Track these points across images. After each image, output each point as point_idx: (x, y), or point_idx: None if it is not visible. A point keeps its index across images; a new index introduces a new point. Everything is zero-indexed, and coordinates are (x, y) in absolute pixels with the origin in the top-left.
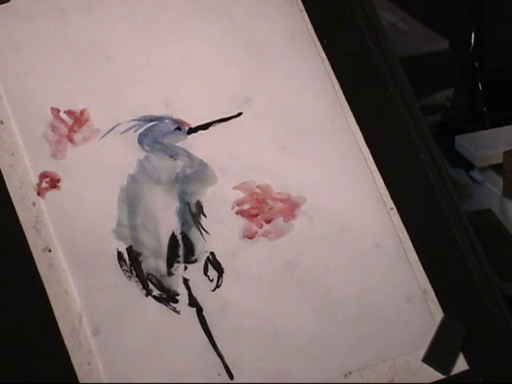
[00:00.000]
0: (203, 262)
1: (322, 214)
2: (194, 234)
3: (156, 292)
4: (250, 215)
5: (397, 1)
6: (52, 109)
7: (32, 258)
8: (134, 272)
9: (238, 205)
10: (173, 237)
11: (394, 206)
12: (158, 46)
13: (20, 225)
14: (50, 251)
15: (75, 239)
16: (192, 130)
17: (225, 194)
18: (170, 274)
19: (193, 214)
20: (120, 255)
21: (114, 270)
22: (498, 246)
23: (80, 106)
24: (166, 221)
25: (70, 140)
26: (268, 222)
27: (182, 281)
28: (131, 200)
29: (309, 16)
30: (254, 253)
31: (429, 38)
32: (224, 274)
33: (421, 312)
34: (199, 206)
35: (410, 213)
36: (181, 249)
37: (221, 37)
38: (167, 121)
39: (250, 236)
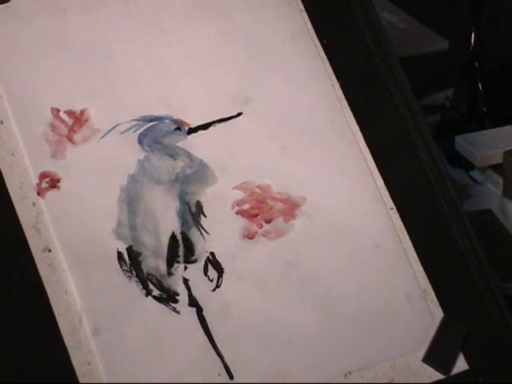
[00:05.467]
0: (203, 262)
1: (321, 214)
2: (194, 234)
3: (156, 292)
4: (249, 215)
5: (397, 1)
6: (52, 109)
7: (32, 258)
8: (133, 272)
9: (237, 205)
10: (173, 237)
11: (393, 206)
12: (158, 46)
13: (20, 225)
14: (49, 251)
15: (75, 239)
16: (192, 130)
17: (225, 194)
18: (170, 274)
19: (193, 213)
20: (120, 255)
21: (114, 270)
22: (497, 246)
23: (80, 106)
24: (166, 221)
25: (70, 140)
26: (268, 222)
27: (181, 281)
28: (131, 200)
29: (309, 16)
30: (254, 253)
31: (429, 38)
32: (224, 274)
33: (421, 312)
34: (199, 206)
35: (410, 213)
36: (181, 249)
37: (221, 37)
38: (167, 121)
39: (250, 236)
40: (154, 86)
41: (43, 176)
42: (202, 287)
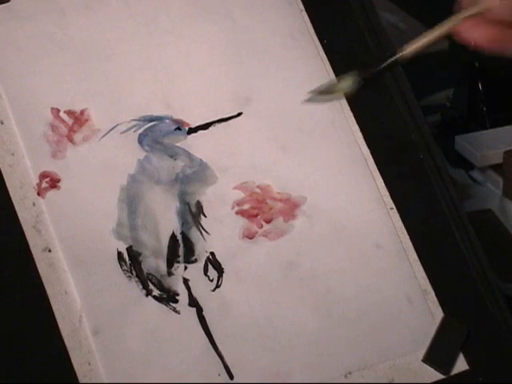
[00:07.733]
0: (203, 262)
1: (322, 214)
2: (194, 234)
3: (156, 292)
4: (250, 215)
5: (397, 1)
6: (52, 109)
7: (32, 258)
8: (133, 272)
9: (238, 205)
10: (173, 237)
11: (393, 206)
12: (158, 46)
13: (20, 225)
14: (50, 251)
15: (75, 239)
16: (192, 130)
17: (225, 194)
18: (170, 274)
19: (193, 213)
20: (120, 255)
21: (114, 270)
22: (497, 246)
23: (80, 106)
24: (166, 221)
25: (70, 140)
26: (268, 222)
27: (182, 281)
28: (131, 200)
29: (309, 16)
30: (254, 253)
31: None
32: (224, 274)
33: (421, 312)
34: (199, 206)
35: (410, 213)
36: (181, 249)
37: (221, 37)
38: (167, 121)
39: (250, 236)
40: (154, 86)
41: (43, 176)
42: (202, 287)
